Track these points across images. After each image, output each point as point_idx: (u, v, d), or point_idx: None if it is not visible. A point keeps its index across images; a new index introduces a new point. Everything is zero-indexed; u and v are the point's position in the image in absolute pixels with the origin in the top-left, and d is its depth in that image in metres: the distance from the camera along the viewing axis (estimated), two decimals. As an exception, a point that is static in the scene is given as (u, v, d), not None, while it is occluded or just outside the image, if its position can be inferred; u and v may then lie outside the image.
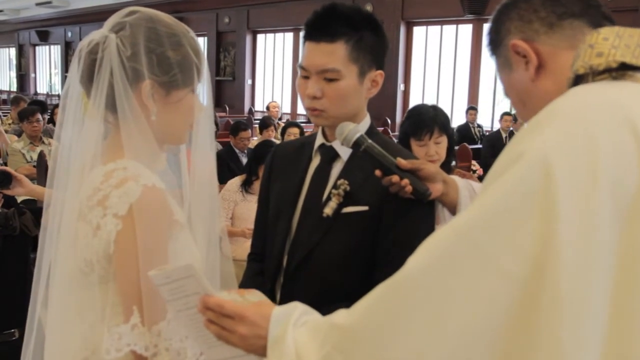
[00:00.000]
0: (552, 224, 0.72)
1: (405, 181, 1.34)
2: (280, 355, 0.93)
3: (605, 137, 0.75)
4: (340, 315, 0.89)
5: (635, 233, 0.73)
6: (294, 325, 0.95)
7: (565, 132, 0.76)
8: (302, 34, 1.47)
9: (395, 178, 1.34)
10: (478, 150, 8.07)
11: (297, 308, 0.99)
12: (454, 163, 2.50)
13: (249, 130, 6.03)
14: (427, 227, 1.45)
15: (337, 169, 1.47)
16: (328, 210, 1.41)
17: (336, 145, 1.48)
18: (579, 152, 0.74)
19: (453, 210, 1.47)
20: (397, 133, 9.96)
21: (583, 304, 0.72)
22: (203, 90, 1.29)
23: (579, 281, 0.72)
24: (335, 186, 1.43)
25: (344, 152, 1.47)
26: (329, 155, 1.49)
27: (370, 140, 1.39)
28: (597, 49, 0.85)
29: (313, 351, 0.89)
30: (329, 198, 1.43)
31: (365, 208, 1.41)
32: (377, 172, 1.37)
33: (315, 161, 1.52)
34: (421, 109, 2.35)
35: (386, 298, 0.83)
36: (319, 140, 1.52)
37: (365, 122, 1.49)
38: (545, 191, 0.73)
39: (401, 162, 1.36)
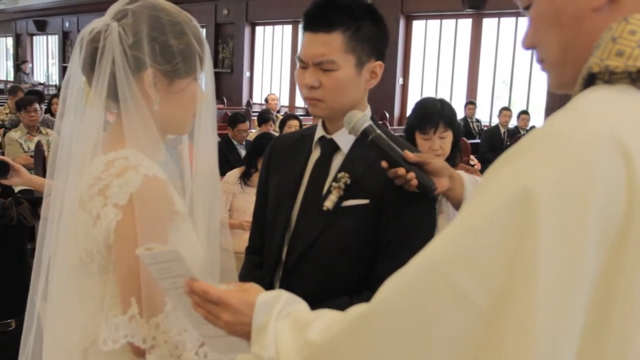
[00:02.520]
0: (529, 260, 0.68)
1: (412, 174, 1.33)
2: (261, 346, 0.93)
3: (600, 175, 0.68)
4: (317, 331, 0.87)
5: (615, 268, 0.69)
6: (277, 316, 0.95)
7: (557, 165, 0.69)
8: (301, 25, 1.46)
9: (401, 171, 1.33)
10: (476, 145, 8.08)
11: (282, 297, 0.98)
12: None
13: (247, 123, 6.03)
14: (428, 220, 1.44)
15: (337, 161, 1.46)
16: (328, 204, 1.40)
17: (336, 137, 1.47)
18: (570, 190, 0.68)
19: (457, 206, 1.47)
20: (395, 127, 9.96)
21: (555, 343, 0.68)
22: (205, 80, 1.28)
23: (554, 318, 0.68)
24: (335, 179, 1.42)
25: (345, 145, 1.46)
26: (330, 147, 1.48)
27: (378, 131, 1.38)
28: (619, 46, 0.74)
29: (292, 353, 0.89)
30: (329, 191, 1.42)
31: (366, 201, 1.40)
32: (384, 164, 1.35)
33: (315, 154, 1.51)
34: (427, 102, 2.32)
35: (356, 327, 0.80)
36: (319, 132, 1.51)
37: (366, 113, 1.48)
38: (524, 226, 0.68)
39: (408, 154, 1.35)
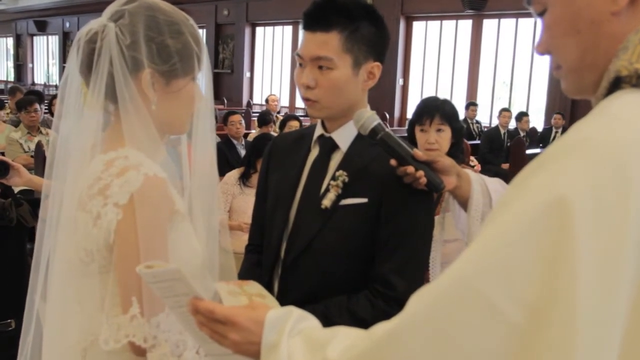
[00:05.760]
0: (567, 272, 0.66)
1: (421, 172, 1.34)
2: None
3: (637, 183, 0.66)
4: (337, 350, 0.83)
5: None
6: (289, 334, 0.91)
7: (593, 174, 0.67)
8: (301, 25, 1.47)
9: (410, 169, 1.34)
10: (476, 146, 8.07)
11: (293, 313, 0.94)
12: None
13: (238, 115, 6.06)
14: (426, 218, 1.45)
15: (336, 160, 1.47)
16: (326, 202, 1.41)
17: (335, 136, 1.48)
18: (607, 199, 0.66)
19: (464, 204, 1.47)
20: (395, 127, 9.97)
21: (595, 357, 0.66)
22: (203, 80, 1.28)
23: (593, 335, 0.66)
24: (333, 177, 1.43)
25: (343, 143, 1.47)
26: (328, 146, 1.48)
27: (387, 129, 1.39)
28: None
29: None
30: (327, 190, 1.42)
31: (364, 200, 1.40)
32: (392, 162, 1.37)
33: (314, 152, 1.51)
34: (429, 98, 2.36)
35: (384, 346, 0.76)
36: (318, 131, 1.51)
37: (374, 112, 1.48)
38: (560, 236, 0.66)
39: (417, 153, 1.36)
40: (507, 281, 0.69)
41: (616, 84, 0.75)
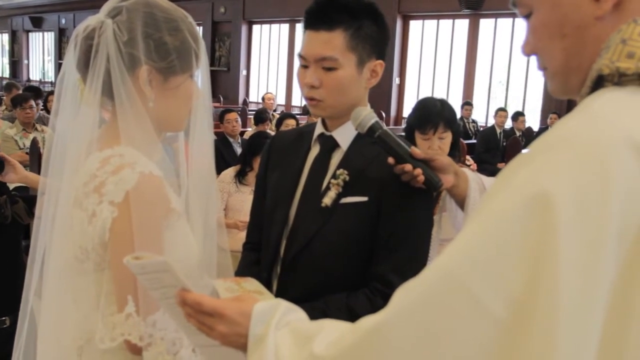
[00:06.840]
0: (549, 267, 0.67)
1: (418, 171, 1.34)
2: (260, 357, 0.90)
3: (619, 180, 0.67)
4: (323, 344, 0.83)
5: (633, 274, 0.68)
6: (276, 326, 0.91)
7: (576, 169, 0.68)
8: (299, 25, 1.46)
9: (408, 167, 1.35)
10: (472, 145, 8.09)
11: (280, 305, 0.94)
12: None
13: (235, 112, 6.07)
14: (426, 217, 1.45)
15: (336, 158, 1.46)
16: (327, 201, 1.41)
17: (336, 134, 1.48)
18: (589, 195, 0.67)
19: (461, 202, 1.48)
20: (392, 126, 10.02)
21: (577, 354, 0.67)
22: (200, 77, 1.28)
23: (575, 330, 0.67)
24: (334, 176, 1.42)
25: (344, 142, 1.47)
26: (329, 144, 1.48)
27: (385, 127, 1.39)
28: (629, 47, 0.74)
29: None
30: (327, 188, 1.42)
31: (365, 198, 1.40)
32: (390, 160, 1.36)
33: (315, 150, 1.51)
34: (428, 103, 2.32)
35: (371, 340, 0.77)
36: (319, 129, 1.51)
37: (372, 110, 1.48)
38: (542, 231, 0.67)
39: (415, 151, 1.36)
40: (492, 276, 0.70)
41: (599, 83, 0.77)
